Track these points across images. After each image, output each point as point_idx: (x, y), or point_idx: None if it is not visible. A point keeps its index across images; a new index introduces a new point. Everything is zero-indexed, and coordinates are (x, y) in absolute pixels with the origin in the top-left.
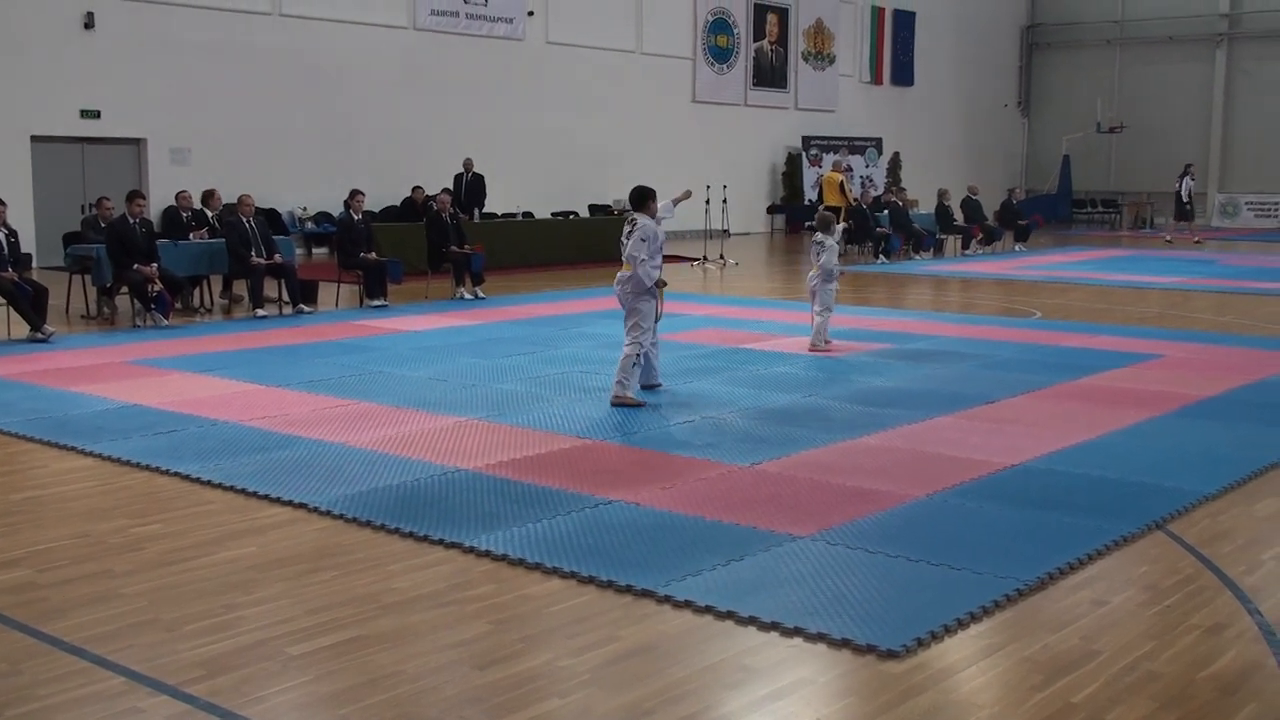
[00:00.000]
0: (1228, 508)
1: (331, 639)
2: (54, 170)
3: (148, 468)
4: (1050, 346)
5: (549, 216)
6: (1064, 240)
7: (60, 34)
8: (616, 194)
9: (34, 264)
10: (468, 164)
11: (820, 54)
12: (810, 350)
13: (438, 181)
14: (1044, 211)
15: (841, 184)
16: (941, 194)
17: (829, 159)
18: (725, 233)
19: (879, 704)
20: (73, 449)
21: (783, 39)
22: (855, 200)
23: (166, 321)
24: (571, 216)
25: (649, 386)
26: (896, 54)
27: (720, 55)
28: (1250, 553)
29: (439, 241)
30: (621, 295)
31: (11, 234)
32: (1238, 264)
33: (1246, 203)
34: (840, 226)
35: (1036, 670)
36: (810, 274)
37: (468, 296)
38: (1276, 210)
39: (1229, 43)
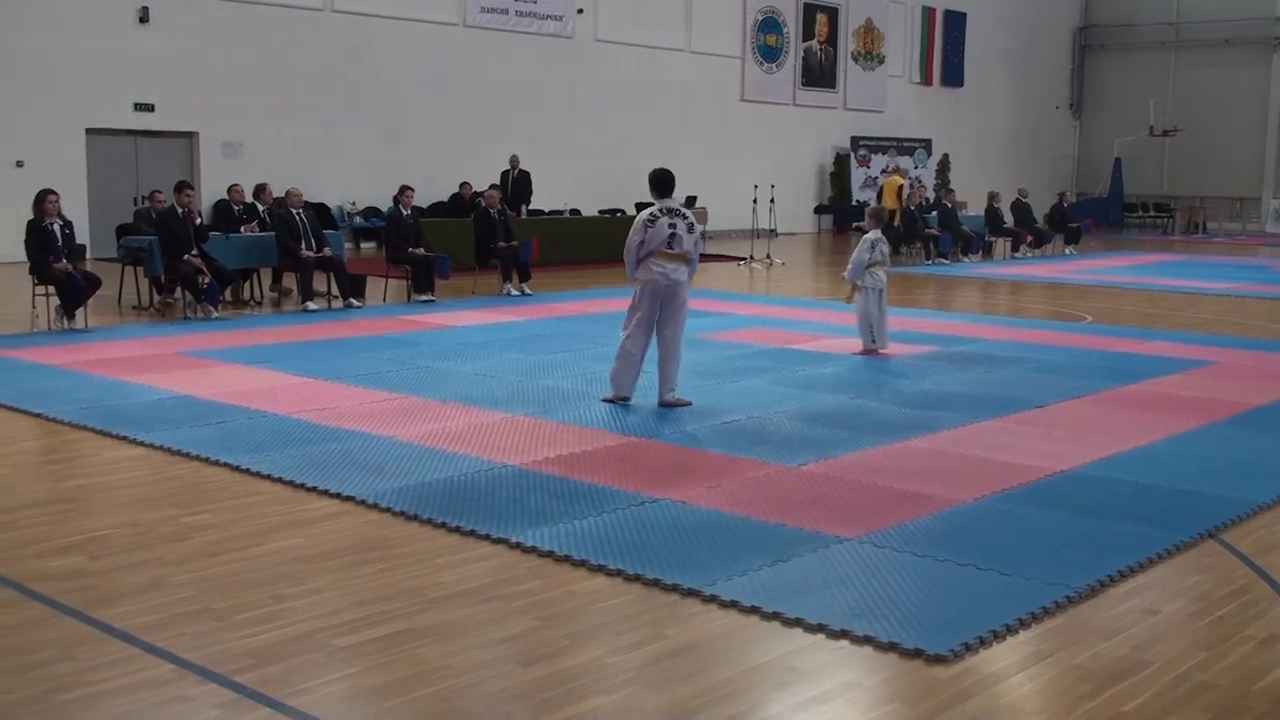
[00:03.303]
0: None
1: (378, 632)
2: (108, 162)
3: (197, 458)
4: (1101, 351)
5: (596, 214)
6: (1115, 244)
7: (116, 27)
8: None
9: (88, 255)
10: (514, 160)
11: (870, 54)
12: (862, 352)
13: (485, 178)
14: (1095, 215)
15: (900, 188)
16: (991, 196)
17: (878, 160)
18: (772, 232)
19: (925, 709)
20: (123, 438)
21: (832, 39)
22: (905, 204)
23: (216, 313)
24: (618, 214)
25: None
26: (947, 55)
27: (769, 54)
28: None
29: (486, 238)
30: (673, 289)
31: (66, 225)
32: None
33: None
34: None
35: (1086, 679)
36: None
37: (514, 292)
38: None
39: None
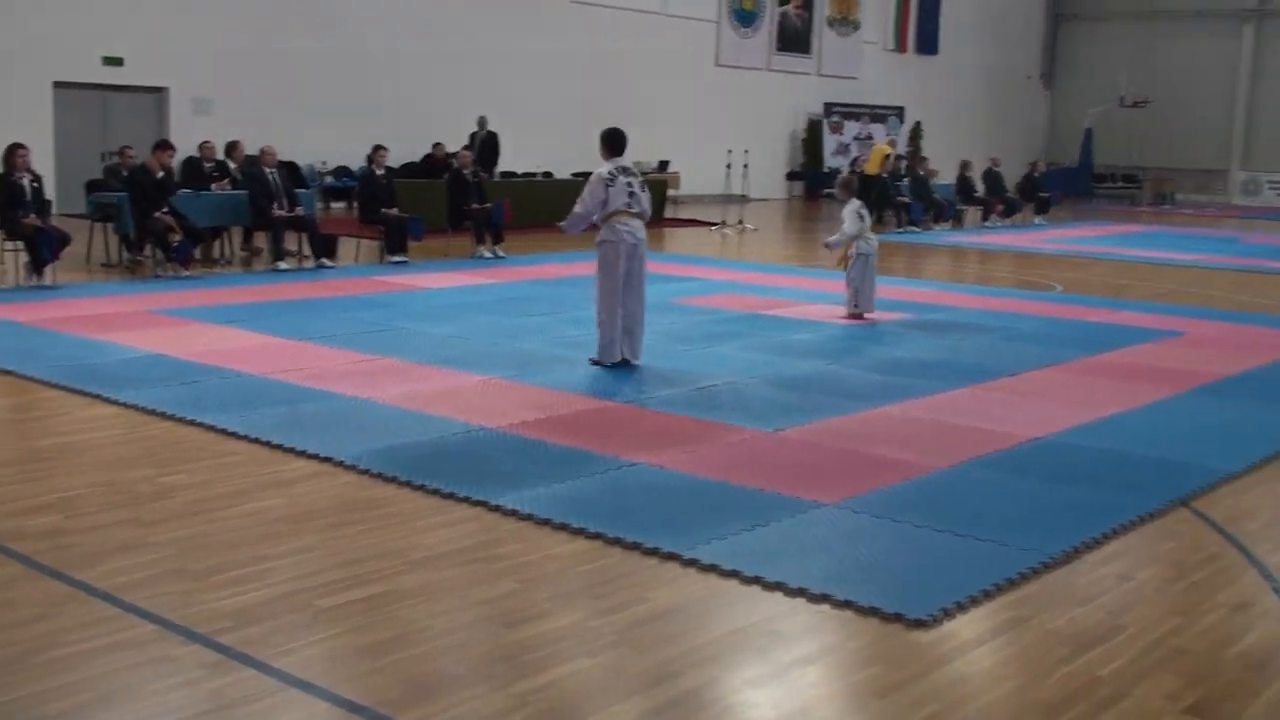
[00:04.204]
0: (1252, 486)
1: (360, 593)
2: (76, 117)
3: (172, 417)
4: (1071, 321)
5: (569, 177)
6: (1084, 214)
7: None
8: (638, 156)
9: (53, 210)
10: (482, 122)
11: (845, 20)
12: (847, 317)
13: (458, 139)
14: (1065, 185)
15: (887, 157)
16: (963, 165)
17: (851, 126)
18: (744, 198)
19: (907, 673)
20: (97, 397)
21: (808, 3)
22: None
23: (187, 271)
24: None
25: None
26: (922, 22)
27: (745, 19)
28: (1275, 531)
29: (460, 199)
30: (639, 248)
31: (36, 179)
32: (1259, 243)
33: (1269, 181)
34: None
35: (1062, 643)
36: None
37: (488, 255)
38: None
39: (1258, 19)
